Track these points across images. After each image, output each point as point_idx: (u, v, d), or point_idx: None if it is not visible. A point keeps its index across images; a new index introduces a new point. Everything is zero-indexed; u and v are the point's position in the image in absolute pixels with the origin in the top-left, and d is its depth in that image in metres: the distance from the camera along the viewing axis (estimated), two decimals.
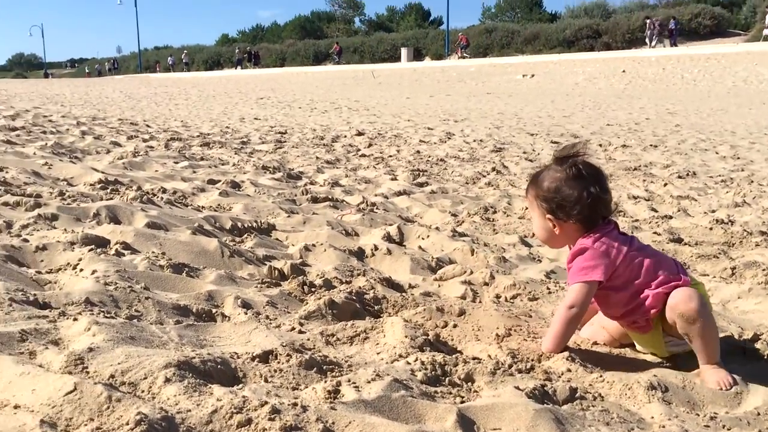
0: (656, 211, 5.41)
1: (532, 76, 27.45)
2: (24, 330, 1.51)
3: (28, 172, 4.04)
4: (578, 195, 2.01)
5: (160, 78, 48.25)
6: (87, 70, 68.97)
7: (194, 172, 5.95)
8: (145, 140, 8.81)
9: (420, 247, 3.60)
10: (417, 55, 45.73)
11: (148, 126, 11.75)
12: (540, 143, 10.17)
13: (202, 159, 7.27)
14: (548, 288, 2.83)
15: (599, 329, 2.22)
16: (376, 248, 3.18)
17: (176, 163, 6.52)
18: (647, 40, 34.91)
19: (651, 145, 9.52)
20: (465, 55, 42.59)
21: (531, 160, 8.34)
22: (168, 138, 9.30)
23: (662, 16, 35.66)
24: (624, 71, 25.50)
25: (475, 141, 10.81)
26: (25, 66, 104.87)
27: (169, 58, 59.48)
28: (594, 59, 29.69)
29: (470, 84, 27.29)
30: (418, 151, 9.45)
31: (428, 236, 3.83)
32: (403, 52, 44.59)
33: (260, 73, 46.20)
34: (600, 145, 9.65)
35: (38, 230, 2.50)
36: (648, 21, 35.23)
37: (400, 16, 65.29)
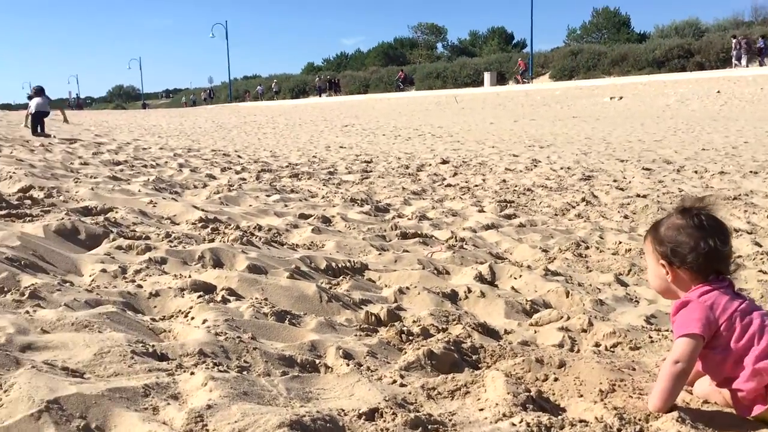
0: (760, 245, 5.15)
1: (620, 98, 26.77)
2: (147, 385, 1.60)
3: (136, 211, 4.27)
4: (695, 243, 1.95)
5: (248, 107, 49.96)
6: (183, 100, 72.34)
7: (286, 205, 6.12)
8: (237, 172, 9.13)
9: (513, 288, 3.57)
10: (500, 79, 45.48)
11: (239, 157, 12.18)
12: (631, 170, 9.88)
13: (292, 191, 7.47)
14: (650, 336, 2.74)
15: (712, 387, 2.12)
16: (469, 290, 3.17)
17: (268, 196, 6.72)
18: (734, 60, 33.55)
19: (751, 172, 9.08)
20: (524, 80, 42.22)
21: (622, 189, 8.11)
22: (259, 169, 9.61)
23: (756, 34, 34.08)
24: (719, 92, 24.49)
25: (562, 168, 10.63)
26: (123, 97, 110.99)
27: (258, 87, 61.57)
28: (686, 80, 28.67)
29: (555, 108, 26.89)
30: (504, 180, 9.38)
31: (520, 276, 3.79)
32: (486, 76, 44.47)
33: (344, 100, 47.08)
34: (695, 172, 9.29)
35: (150, 275, 2.63)
36: (734, 40, 33.92)
37: (482, 41, 65.21)
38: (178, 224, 4.34)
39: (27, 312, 2.00)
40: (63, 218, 3.50)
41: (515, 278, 3.76)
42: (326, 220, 5.32)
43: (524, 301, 3.19)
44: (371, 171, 10.49)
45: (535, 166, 11.15)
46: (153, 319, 2.23)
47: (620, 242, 5.16)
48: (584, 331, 2.77)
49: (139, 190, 5.51)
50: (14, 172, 5.18)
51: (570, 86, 34.72)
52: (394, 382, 1.96)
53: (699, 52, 36.38)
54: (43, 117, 12.44)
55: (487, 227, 5.75)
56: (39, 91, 13.13)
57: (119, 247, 3.12)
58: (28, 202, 3.98)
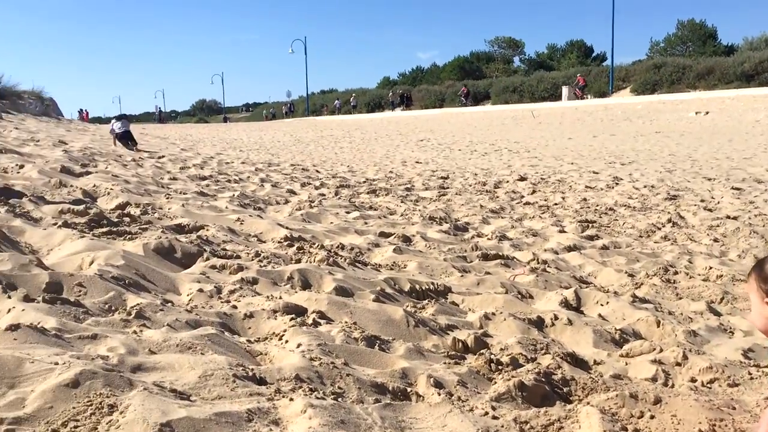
0: None
1: (707, 113, 25.79)
2: (249, 409, 1.65)
3: (225, 229, 4.42)
4: None
5: (325, 121, 50.80)
6: (264, 114, 74.42)
7: (366, 223, 6.19)
8: (316, 188, 9.30)
9: (600, 315, 3.50)
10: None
11: (317, 171, 12.40)
12: (719, 189, 9.50)
13: (371, 208, 7.55)
14: (749, 373, 2.63)
15: None
16: (555, 317, 3.13)
17: (348, 213, 6.81)
18: None
19: None
20: (584, 96, 41.46)
21: (710, 210, 7.82)
22: (337, 185, 9.75)
23: None
24: None
25: (645, 187, 10.33)
26: (206, 111, 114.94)
27: (336, 102, 62.58)
28: None
29: (637, 123, 26.15)
30: (585, 199, 9.19)
31: (607, 302, 3.70)
32: (564, 90, 43.71)
33: (419, 114, 47.21)
34: None
35: (244, 296, 2.72)
36: None
37: (560, 54, 64.13)
38: (264, 242, 4.46)
39: (134, 332, 2.10)
40: (160, 236, 3.65)
41: (602, 305, 3.69)
42: (406, 239, 5.35)
43: (613, 330, 3.12)
44: (448, 187, 10.48)
45: (617, 184, 10.88)
46: (249, 341, 2.30)
47: (711, 267, 4.97)
48: (678, 364, 2.68)
49: (226, 207, 5.69)
50: (112, 189, 5.45)
51: (652, 100, 33.70)
52: (486, 414, 1.96)
53: None
54: (128, 136, 13.62)
55: (569, 249, 5.65)
56: (120, 117, 15.02)
57: (213, 267, 3.23)
58: (127, 219, 4.18)
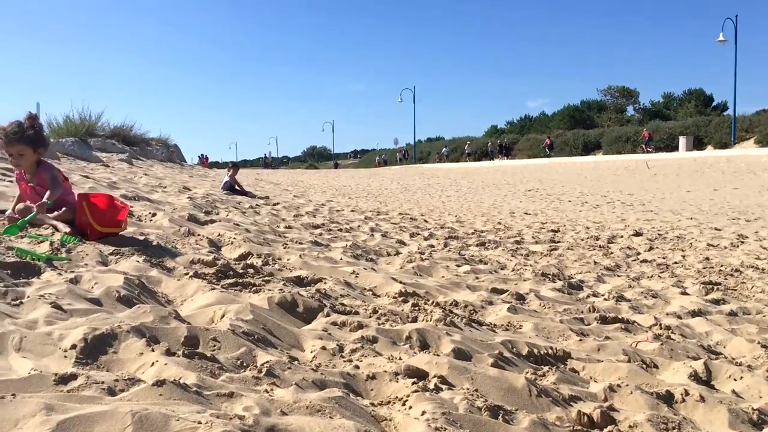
0: None
1: None
2: None
3: (341, 282, 4.51)
4: None
5: (432, 168, 51.24)
6: (377, 159, 76.29)
7: (477, 278, 6.14)
8: (425, 238, 9.34)
9: (734, 392, 3.28)
10: (697, 144, 42.80)
11: (425, 221, 12.48)
12: None
13: (481, 261, 7.49)
14: None
15: None
16: (686, 393, 2.96)
17: (458, 266, 6.79)
18: None
19: None
20: (649, 149, 40.12)
21: None
22: (446, 236, 9.76)
23: None
24: None
25: None
26: (316, 157, 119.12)
27: (444, 149, 63.26)
28: None
29: (762, 176, 24.70)
30: (707, 258, 8.74)
31: (741, 377, 3.47)
32: (682, 140, 42.08)
33: (527, 163, 46.73)
34: None
35: (365, 356, 2.75)
36: None
37: (678, 103, 61.98)
38: (379, 296, 4.52)
39: (266, 391, 2.17)
40: (282, 289, 3.78)
41: (735, 379, 3.46)
42: (520, 297, 5.26)
43: (750, 410, 2.91)
44: (559, 241, 10.26)
45: (742, 242, 10.29)
46: (372, 404, 2.32)
47: None
48: None
49: (341, 258, 5.82)
50: (234, 238, 5.70)
51: None
52: None
53: None
54: (231, 188, 14.05)
55: (694, 314, 5.36)
56: (230, 166, 15.43)
57: (334, 323, 3.30)
58: (251, 270, 4.35)
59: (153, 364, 2.25)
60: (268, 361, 2.43)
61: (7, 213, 4.91)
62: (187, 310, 3.19)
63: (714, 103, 60.96)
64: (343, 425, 1.93)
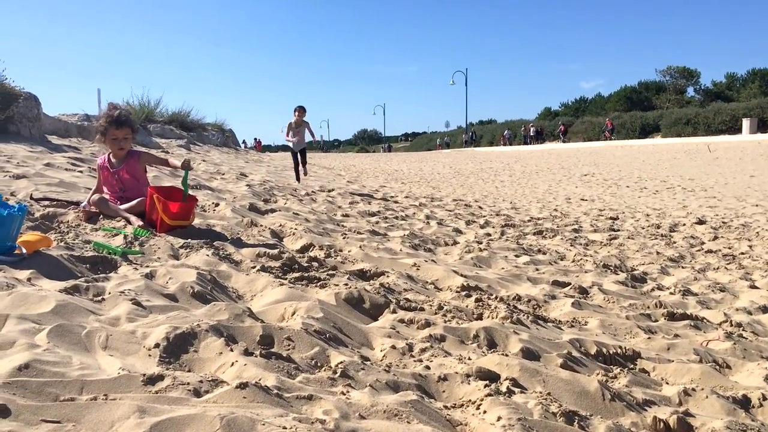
0: None
1: None
2: None
3: (404, 276, 4.53)
4: None
5: (483, 152, 50.75)
6: (438, 142, 75.83)
7: (537, 269, 6.08)
8: (481, 226, 9.29)
9: None
10: (762, 127, 41.22)
11: (480, 208, 12.39)
12: None
13: (539, 252, 7.41)
14: None
15: None
16: (764, 397, 2.88)
17: (517, 257, 6.74)
18: None
19: None
20: (612, 137, 40.23)
21: None
22: (502, 224, 9.68)
23: None
24: None
25: None
26: (367, 140, 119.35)
27: (506, 132, 62.63)
28: None
29: None
30: None
31: None
32: (745, 123, 40.60)
33: (582, 146, 45.86)
34: None
35: (435, 356, 2.76)
36: None
37: (741, 84, 59.75)
38: (441, 290, 4.52)
39: (342, 393, 2.21)
40: (348, 283, 3.83)
41: None
42: (583, 291, 5.19)
43: None
44: (619, 229, 10.07)
45: None
46: (446, 407, 2.33)
47: None
48: None
49: (401, 249, 5.84)
50: (296, 228, 5.78)
51: None
52: None
53: None
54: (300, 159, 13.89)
55: (765, 309, 5.21)
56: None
57: (401, 321, 3.32)
58: (315, 264, 4.41)
59: (233, 364, 2.30)
60: (342, 362, 2.47)
61: (82, 205, 5.09)
62: (257, 306, 3.25)
63: None
64: (421, 431, 1.95)
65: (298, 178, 13.58)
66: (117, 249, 3.88)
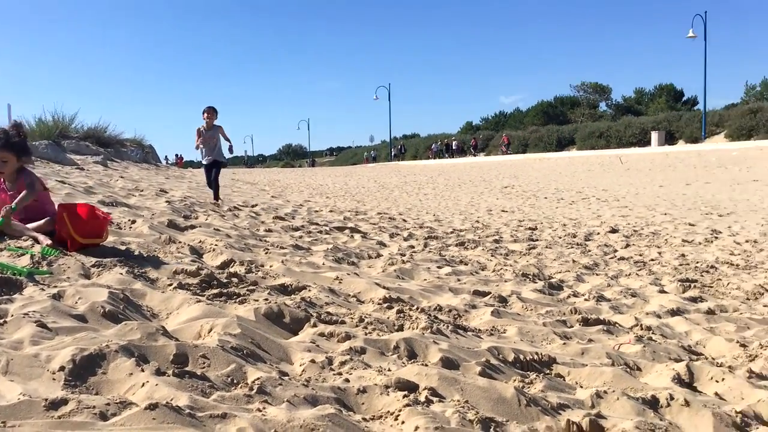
0: None
1: None
2: None
3: (326, 289, 4.51)
4: None
5: (407, 166, 51.27)
6: (365, 156, 75.93)
7: (459, 279, 6.17)
8: (405, 239, 9.36)
9: (717, 394, 3.34)
10: (669, 139, 43.41)
11: (404, 221, 12.49)
12: None
13: (461, 262, 7.53)
14: None
15: None
16: (671, 397, 3.01)
17: (439, 268, 6.82)
18: None
19: None
20: (508, 152, 43.04)
21: None
22: (425, 236, 9.79)
23: None
24: None
25: (747, 242, 9.89)
26: (292, 155, 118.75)
27: (433, 145, 63.46)
28: None
29: (733, 170, 25.12)
30: (683, 255, 8.88)
31: (723, 379, 3.53)
32: (654, 135, 42.66)
33: (503, 159, 47.03)
34: None
35: (355, 369, 2.75)
36: None
37: (649, 98, 62.81)
38: (363, 302, 4.52)
39: (258, 410, 2.17)
40: (268, 299, 3.77)
41: (717, 381, 3.52)
42: (502, 300, 5.30)
43: (733, 413, 2.96)
44: (537, 239, 10.35)
45: (716, 237, 10.47)
46: (365, 419, 2.33)
47: None
48: None
49: (323, 263, 5.81)
50: (216, 245, 5.67)
51: (749, 147, 32.40)
52: None
53: None
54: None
55: (673, 313, 5.45)
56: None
57: (321, 334, 3.30)
58: (235, 279, 4.33)
59: (143, 384, 2.23)
60: (258, 378, 2.42)
61: None
62: (173, 325, 3.16)
63: (684, 98, 61.82)
64: None
65: (216, 196, 11.60)
66: (22, 269, 3.70)
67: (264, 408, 2.18)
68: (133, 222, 6.19)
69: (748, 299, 6.26)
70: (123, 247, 4.80)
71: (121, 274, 3.91)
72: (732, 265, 8.05)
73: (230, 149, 11.62)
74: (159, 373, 2.34)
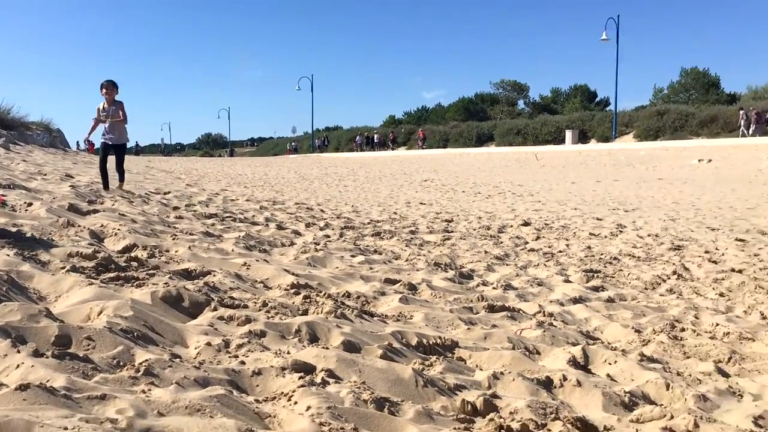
0: None
1: (709, 161, 25.94)
2: None
3: (232, 275, 4.41)
4: None
5: (329, 158, 51.09)
6: (288, 147, 74.72)
7: (371, 268, 6.18)
8: (321, 228, 9.30)
9: (609, 375, 3.47)
10: (582, 138, 44.98)
11: (322, 211, 12.42)
12: (723, 240, 9.50)
13: (375, 252, 7.54)
14: None
15: None
16: (564, 378, 3.10)
17: (353, 257, 6.81)
18: (742, 129, 34.67)
19: None
20: (424, 147, 45.37)
21: (715, 262, 7.80)
22: (342, 226, 9.76)
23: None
24: None
25: (649, 236, 10.34)
26: (211, 144, 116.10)
27: (357, 138, 63.16)
28: None
29: (640, 169, 26.28)
30: (589, 247, 9.19)
31: (615, 361, 3.67)
32: (568, 134, 44.09)
33: (424, 153, 47.55)
34: None
35: (252, 351, 2.70)
36: (741, 111, 35.39)
37: (564, 98, 64.88)
38: (270, 288, 4.44)
39: (143, 391, 2.08)
40: (167, 283, 3.65)
41: (610, 364, 3.65)
42: (412, 288, 5.33)
43: (622, 393, 3.08)
44: (452, 231, 10.48)
45: (621, 231, 10.89)
46: (257, 401, 2.28)
47: (717, 324, 4.95)
48: None
49: (233, 250, 5.69)
50: (119, 229, 5.45)
51: (655, 147, 33.95)
52: None
53: None
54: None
55: (575, 301, 5.63)
56: None
57: (221, 318, 3.22)
58: (134, 263, 4.17)
59: (18, 366, 2.10)
60: (147, 360, 2.33)
61: None
62: (61, 307, 3.01)
63: (597, 99, 64.24)
64: (223, 425, 1.88)
65: (105, 184, 10.00)
66: None
67: (149, 390, 2.10)
68: (30, 205, 5.88)
69: (646, 289, 6.54)
70: (14, 229, 4.55)
71: (8, 255, 3.69)
72: (633, 257, 8.39)
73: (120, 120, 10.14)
74: (37, 354, 2.21)
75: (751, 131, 34.41)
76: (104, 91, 9.83)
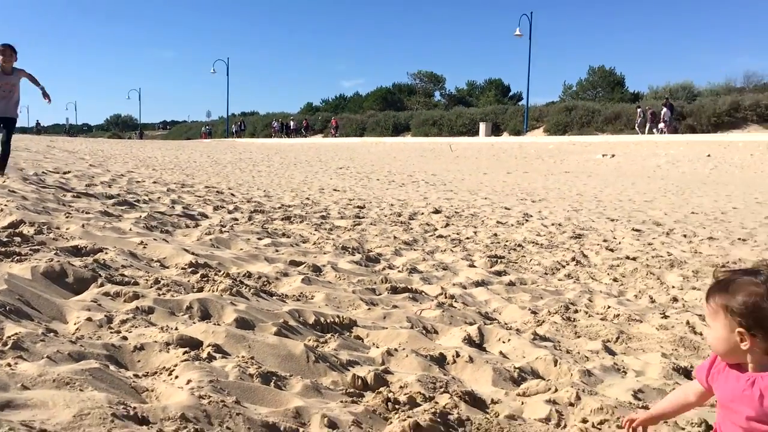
0: None
1: (612, 156, 27.09)
2: None
3: (125, 253, 4.24)
4: None
5: (244, 143, 50.17)
6: (202, 130, 72.41)
7: (277, 251, 6.10)
8: (229, 212, 9.12)
9: (501, 353, 3.55)
10: (495, 130, 46.02)
11: (232, 195, 12.17)
12: (621, 230, 9.93)
13: (284, 235, 7.45)
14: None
15: None
16: (457, 354, 3.15)
17: (259, 239, 6.70)
18: (637, 128, 36.57)
19: (739, 239, 9.12)
20: (336, 135, 47.30)
21: (612, 250, 8.14)
22: (251, 210, 9.59)
23: (747, 101, 35.59)
24: (709, 155, 24.84)
25: (553, 225, 10.68)
26: (121, 126, 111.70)
27: (274, 123, 62.12)
28: (677, 142, 29.05)
29: (548, 162, 27.15)
30: (496, 234, 9.40)
31: (509, 340, 3.77)
32: (482, 126, 44.98)
33: (341, 141, 47.43)
34: (684, 236, 9.34)
35: (136, 327, 2.60)
36: (639, 110, 37.47)
37: (479, 91, 66.12)
38: (167, 267, 4.30)
39: (8, 365, 1.96)
40: (52, 259, 3.46)
41: (504, 342, 3.74)
42: (317, 269, 5.30)
43: (512, 368, 3.16)
44: (364, 217, 10.49)
45: (527, 220, 11.19)
46: (136, 375, 2.19)
47: (609, 306, 5.16)
48: (572, 405, 2.74)
49: (131, 229, 5.48)
50: (6, 205, 5.15)
51: (563, 141, 35.16)
52: None
53: (691, 115, 37.02)
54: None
55: (477, 284, 5.74)
56: None
57: (107, 294, 3.08)
58: (18, 239, 3.94)
59: None
60: (17, 333, 2.20)
61: None
62: None
63: (511, 93, 65.80)
64: (93, 397, 1.79)
65: (3, 165, 8.68)
66: None
67: (16, 363, 1.98)
68: None
69: (546, 274, 6.75)
70: None
71: None
72: (537, 244, 8.64)
73: (45, 95, 9.10)
74: None
75: (647, 129, 36.25)
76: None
